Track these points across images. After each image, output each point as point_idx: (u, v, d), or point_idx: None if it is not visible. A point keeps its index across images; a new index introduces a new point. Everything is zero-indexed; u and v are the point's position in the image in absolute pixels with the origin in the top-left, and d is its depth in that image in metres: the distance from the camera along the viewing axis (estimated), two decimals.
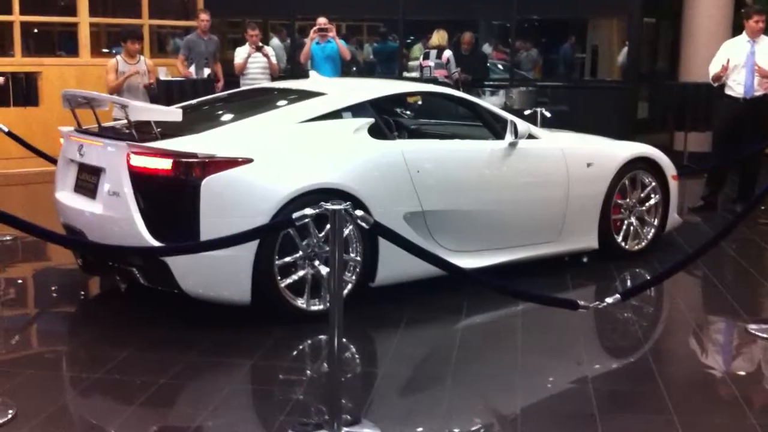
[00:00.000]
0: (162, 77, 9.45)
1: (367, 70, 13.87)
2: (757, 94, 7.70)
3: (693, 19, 11.41)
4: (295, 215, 3.50)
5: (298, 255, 4.60)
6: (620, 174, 5.97)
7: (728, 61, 7.72)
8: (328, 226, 3.44)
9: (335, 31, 10.25)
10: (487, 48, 14.36)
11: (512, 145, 5.48)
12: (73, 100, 5.19)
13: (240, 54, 10.17)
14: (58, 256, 6.24)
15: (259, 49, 10.08)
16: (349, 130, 4.98)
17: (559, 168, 5.69)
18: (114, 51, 11.61)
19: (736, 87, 7.79)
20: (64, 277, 5.87)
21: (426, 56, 11.14)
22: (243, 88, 8.62)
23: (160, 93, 8.95)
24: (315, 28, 10.08)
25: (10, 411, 3.55)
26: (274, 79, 10.23)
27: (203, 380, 4.01)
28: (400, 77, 12.61)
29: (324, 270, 4.57)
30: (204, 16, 10.25)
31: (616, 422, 3.61)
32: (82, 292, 5.56)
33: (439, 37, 11.09)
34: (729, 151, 7.86)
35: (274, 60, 10.37)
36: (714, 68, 7.90)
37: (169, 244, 4.40)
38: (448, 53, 10.87)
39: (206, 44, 10.25)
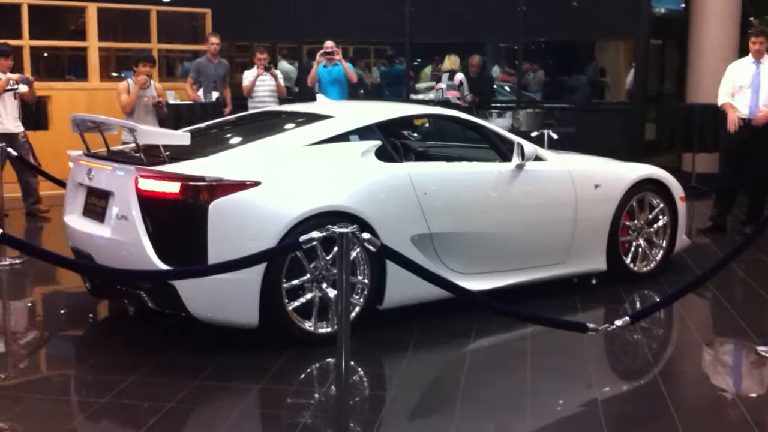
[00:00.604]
0: (171, 101, 9.49)
1: (374, 93, 13.95)
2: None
3: (699, 40, 11.43)
4: (302, 238, 3.51)
5: (305, 278, 4.60)
6: (628, 196, 5.96)
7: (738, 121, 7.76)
8: (336, 248, 3.44)
9: (342, 55, 10.29)
10: (495, 70, 14.43)
11: (519, 167, 5.49)
12: (82, 125, 5.23)
13: (248, 76, 10.25)
14: (66, 280, 6.26)
15: (267, 69, 10.14)
16: (357, 152, 4.99)
17: (566, 190, 5.69)
18: (123, 75, 11.69)
19: (741, 108, 7.79)
20: (73, 301, 5.87)
21: (438, 79, 11.25)
22: (251, 111, 8.67)
23: (169, 116, 8.98)
24: (321, 51, 10.14)
25: None
26: (281, 101, 10.28)
27: (211, 404, 4.00)
28: (408, 100, 12.67)
29: (332, 293, 4.56)
30: (214, 40, 10.32)
31: None
32: (91, 316, 5.57)
33: (450, 62, 11.21)
34: (736, 172, 7.85)
35: (282, 81, 10.43)
36: (722, 96, 7.92)
37: (177, 267, 4.40)
38: (460, 75, 10.98)
39: (216, 68, 10.32)
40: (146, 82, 8.52)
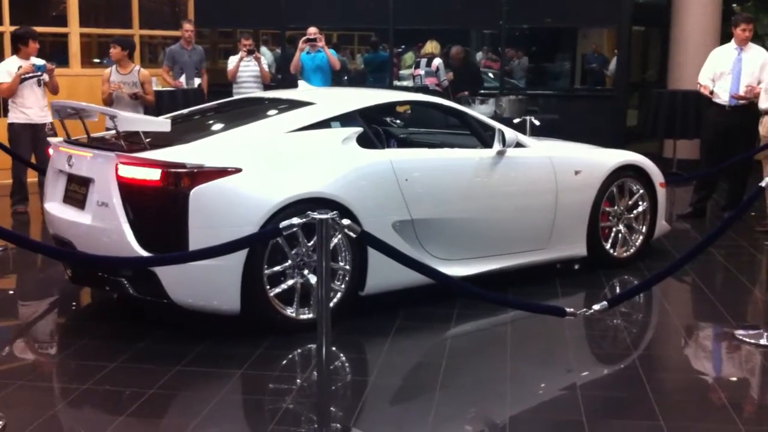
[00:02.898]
0: (153, 87, 9.43)
1: (358, 80, 13.93)
2: (742, 102, 7.75)
3: (682, 27, 11.48)
4: (282, 225, 3.52)
5: (287, 264, 4.61)
6: (608, 182, 6.00)
7: (712, 92, 7.85)
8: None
9: (324, 41, 10.26)
10: (479, 56, 14.45)
11: (500, 153, 5.51)
12: (62, 111, 5.21)
13: (232, 61, 10.21)
14: (48, 267, 6.24)
15: (250, 53, 10.08)
16: (338, 139, 5.00)
17: (547, 176, 5.72)
18: (105, 61, 11.61)
19: (722, 94, 7.84)
20: (54, 288, 5.86)
21: (417, 65, 11.17)
22: (234, 97, 8.63)
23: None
24: (304, 38, 10.11)
25: (0, 422, 3.56)
26: (266, 86, 10.24)
27: (193, 390, 4.02)
28: (391, 86, 12.67)
29: (313, 279, 4.58)
30: (188, 27, 10.20)
31: (605, 429, 3.64)
32: (72, 303, 5.56)
33: (432, 46, 11.12)
34: (717, 158, 7.91)
35: (265, 66, 10.38)
36: (702, 80, 7.97)
37: (158, 254, 4.41)
38: (437, 61, 10.89)
39: (190, 54, 10.20)
40: (121, 59, 8.43)
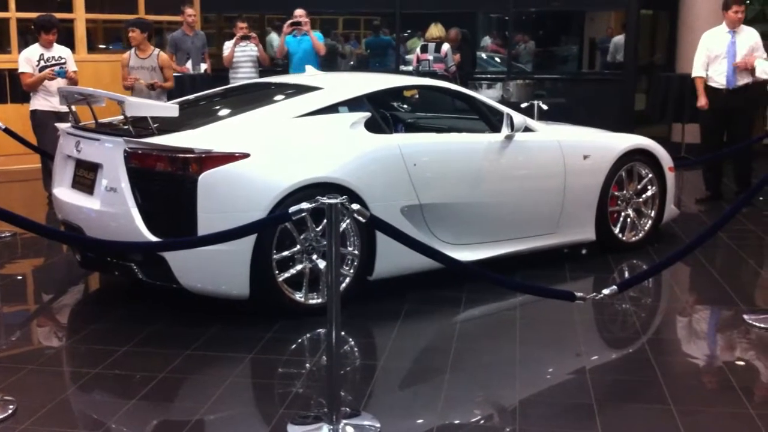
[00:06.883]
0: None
1: (362, 64, 13.89)
2: (740, 83, 7.74)
3: (690, 10, 11.40)
4: (291, 209, 3.52)
5: (295, 249, 4.61)
6: (617, 166, 5.98)
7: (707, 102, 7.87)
8: (325, 219, 3.45)
9: (310, 25, 9.91)
10: (486, 40, 14.37)
11: (508, 137, 5.49)
12: (70, 97, 5.21)
13: (228, 46, 9.97)
14: (56, 253, 6.25)
15: (245, 38, 9.78)
16: (346, 124, 4.98)
17: (555, 160, 5.70)
18: (111, 47, 11.62)
19: (717, 77, 7.83)
20: (63, 274, 5.88)
21: (424, 49, 10.99)
22: (232, 82, 8.50)
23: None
24: (289, 21, 9.81)
25: (11, 406, 3.57)
26: (263, 69, 10.04)
27: (203, 374, 4.03)
28: (397, 71, 12.61)
29: (322, 264, 4.58)
30: (190, 11, 9.97)
31: (614, 412, 3.63)
32: (81, 288, 5.57)
33: (437, 29, 10.94)
34: (718, 141, 7.94)
35: (263, 49, 10.19)
36: (697, 68, 7.98)
37: (167, 239, 4.41)
38: (446, 47, 10.74)
39: (192, 40, 10.03)
40: (141, 42, 8.28)
